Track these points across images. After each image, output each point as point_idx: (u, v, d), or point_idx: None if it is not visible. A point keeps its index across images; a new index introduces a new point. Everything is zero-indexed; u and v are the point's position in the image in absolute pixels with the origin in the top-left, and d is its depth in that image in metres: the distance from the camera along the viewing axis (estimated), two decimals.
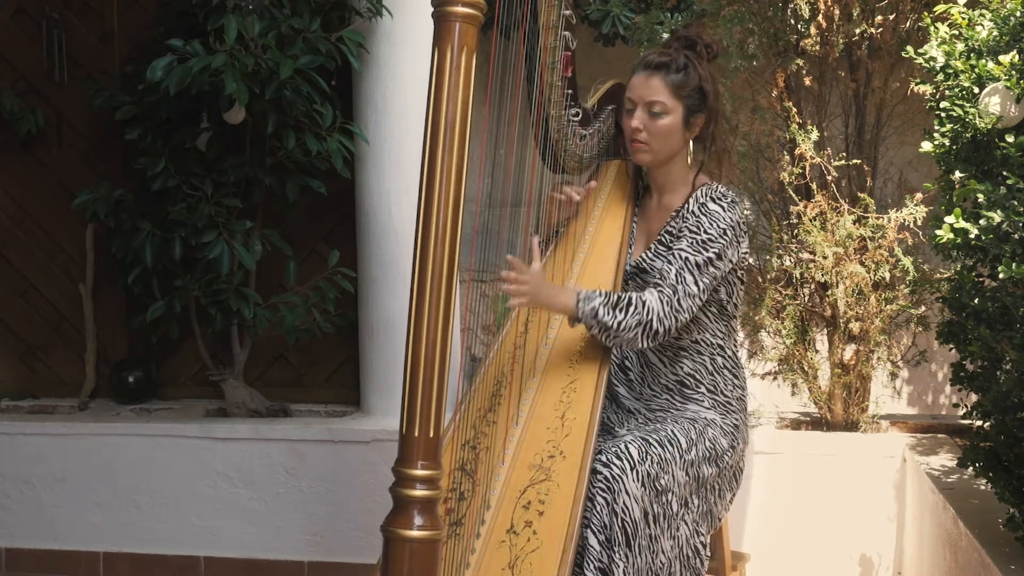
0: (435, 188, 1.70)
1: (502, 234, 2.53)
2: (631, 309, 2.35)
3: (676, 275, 2.40)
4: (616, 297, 2.37)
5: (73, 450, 3.84)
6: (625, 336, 2.36)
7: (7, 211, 4.33)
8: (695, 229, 2.44)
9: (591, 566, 2.20)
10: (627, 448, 2.26)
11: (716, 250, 2.42)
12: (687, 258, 2.41)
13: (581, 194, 2.69)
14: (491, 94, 2.19)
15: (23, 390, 4.36)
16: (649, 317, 2.35)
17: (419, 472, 1.71)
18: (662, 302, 2.37)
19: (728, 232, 2.44)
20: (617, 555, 2.20)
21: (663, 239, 2.54)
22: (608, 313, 2.34)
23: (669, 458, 2.31)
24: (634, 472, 2.23)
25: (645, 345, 2.40)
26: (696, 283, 2.40)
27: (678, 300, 2.38)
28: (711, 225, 2.44)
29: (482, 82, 1.91)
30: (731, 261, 2.47)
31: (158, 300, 3.88)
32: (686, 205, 2.51)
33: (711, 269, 2.42)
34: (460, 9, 1.68)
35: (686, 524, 2.35)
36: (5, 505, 3.90)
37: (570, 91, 2.54)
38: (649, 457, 2.27)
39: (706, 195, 2.49)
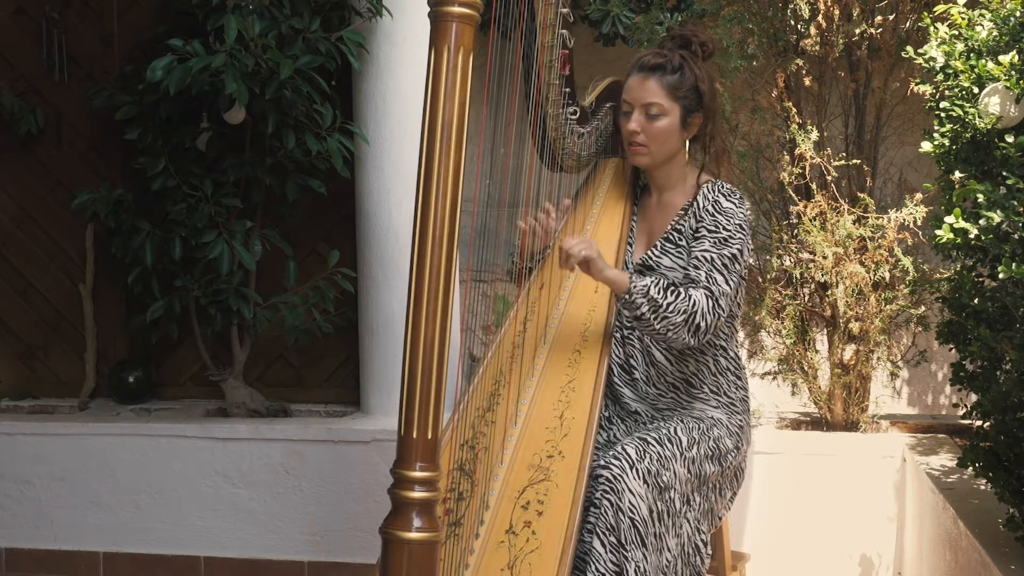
0: (432, 188, 1.69)
1: (500, 234, 2.53)
2: (680, 296, 2.35)
3: (707, 277, 2.40)
4: (665, 282, 2.37)
5: (73, 450, 3.84)
6: (672, 320, 2.33)
7: (7, 211, 4.33)
8: (713, 228, 2.44)
9: (596, 569, 2.19)
10: (624, 449, 2.26)
11: (738, 246, 2.43)
12: (712, 259, 2.41)
13: (558, 219, 2.60)
14: (489, 94, 2.19)
15: (23, 390, 4.36)
16: (695, 309, 2.35)
17: (417, 474, 1.71)
18: (706, 298, 2.37)
19: (743, 226, 2.46)
20: (629, 554, 2.19)
21: (671, 237, 2.53)
22: (660, 293, 2.33)
23: (669, 455, 2.30)
24: (634, 470, 2.23)
25: (687, 339, 2.37)
26: (727, 282, 2.40)
27: (716, 299, 2.38)
28: (728, 222, 2.44)
29: (480, 82, 1.91)
30: (746, 259, 2.47)
31: (158, 300, 3.88)
32: (695, 203, 2.51)
33: (736, 266, 2.43)
34: (457, 9, 1.68)
35: (688, 522, 2.34)
36: (5, 505, 3.90)
37: (568, 89, 2.54)
38: (648, 455, 2.26)
39: (716, 192, 2.49)
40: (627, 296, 2.34)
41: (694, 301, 2.35)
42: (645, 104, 2.49)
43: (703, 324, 2.36)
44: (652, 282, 2.35)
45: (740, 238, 2.44)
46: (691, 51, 2.52)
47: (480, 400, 2.42)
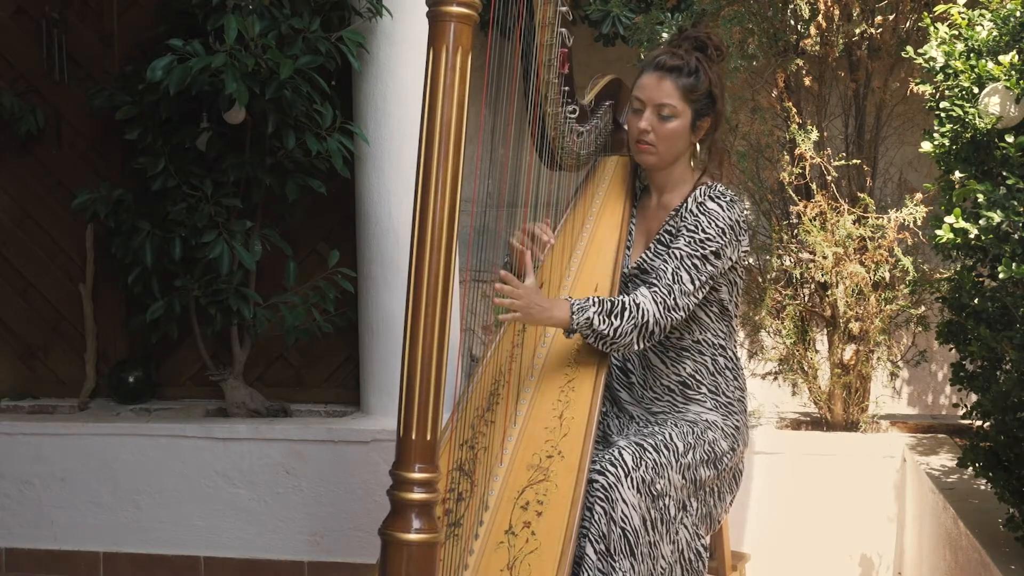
0: (431, 188, 1.69)
1: (500, 234, 2.53)
2: (626, 314, 2.34)
3: (672, 274, 2.38)
4: (610, 304, 2.34)
5: (73, 450, 3.84)
6: (622, 342, 2.35)
7: (7, 211, 4.33)
8: (693, 228, 2.43)
9: (587, 574, 2.19)
10: (621, 455, 2.25)
11: (713, 248, 2.41)
12: (683, 256, 2.40)
13: (549, 234, 2.57)
14: (488, 93, 2.19)
15: (23, 390, 4.36)
16: (645, 319, 2.34)
17: (416, 475, 1.71)
18: (656, 302, 2.35)
19: (727, 231, 2.43)
20: (617, 564, 2.19)
21: (662, 239, 2.53)
22: (603, 322, 2.32)
23: (664, 462, 2.30)
24: (629, 479, 2.22)
25: (642, 347, 2.39)
26: (692, 281, 2.39)
27: (674, 299, 2.36)
28: (709, 224, 2.43)
29: (479, 81, 1.91)
30: (730, 259, 2.46)
31: (158, 300, 3.88)
32: (684, 204, 2.50)
33: (707, 267, 2.41)
34: (455, 9, 1.68)
35: (685, 528, 2.34)
36: (5, 505, 3.90)
37: (567, 88, 2.54)
38: (644, 463, 2.26)
39: (705, 194, 2.48)
40: (574, 333, 2.36)
41: (643, 312, 2.34)
42: (658, 104, 2.48)
43: (656, 330, 2.37)
44: (595, 311, 2.33)
45: (719, 241, 2.41)
46: (707, 55, 2.51)
47: (479, 400, 2.42)
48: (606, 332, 2.33)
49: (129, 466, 3.82)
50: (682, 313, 2.39)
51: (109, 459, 3.83)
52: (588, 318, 2.32)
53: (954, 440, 3.59)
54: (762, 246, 3.75)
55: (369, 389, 3.94)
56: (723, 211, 2.44)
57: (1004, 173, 2.31)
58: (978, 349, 2.44)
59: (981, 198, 2.27)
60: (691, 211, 2.46)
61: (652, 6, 4.04)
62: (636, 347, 2.38)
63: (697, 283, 2.40)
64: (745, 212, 2.56)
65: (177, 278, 3.89)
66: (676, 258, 2.40)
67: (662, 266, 2.41)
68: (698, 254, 2.40)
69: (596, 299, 2.36)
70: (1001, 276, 2.22)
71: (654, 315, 2.35)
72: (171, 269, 3.89)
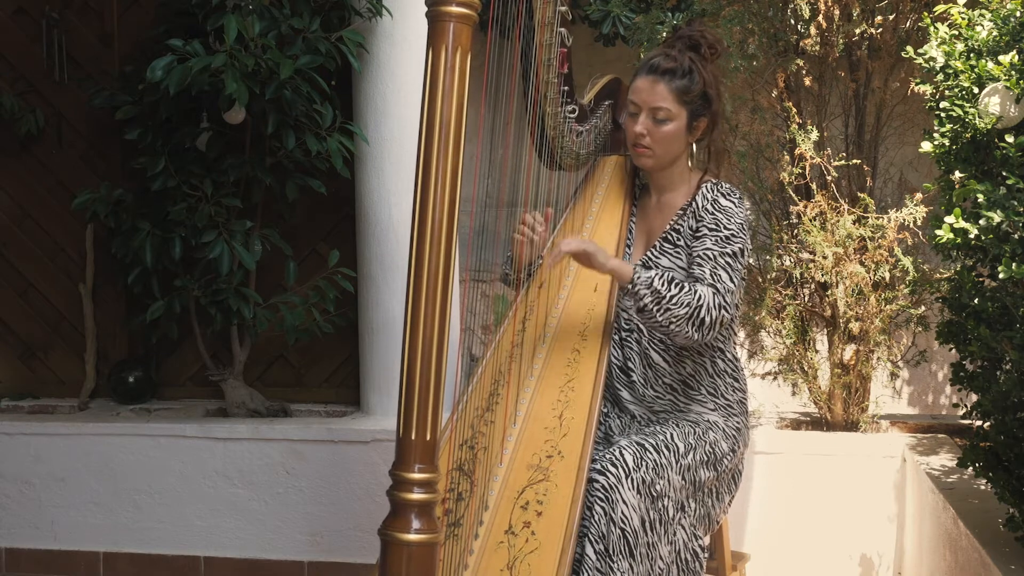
0: (431, 188, 1.69)
1: (499, 234, 2.53)
2: (684, 289, 2.32)
3: (711, 274, 2.38)
4: (670, 275, 2.35)
5: (73, 450, 3.84)
6: (675, 312, 2.30)
7: (7, 211, 4.33)
8: (714, 227, 2.43)
9: (586, 574, 2.19)
10: (622, 455, 2.25)
11: (739, 244, 2.42)
12: (715, 256, 2.40)
13: (544, 227, 2.60)
14: (487, 93, 2.19)
15: (23, 390, 4.36)
16: (700, 303, 2.32)
17: (416, 475, 1.70)
18: (712, 294, 2.34)
19: (744, 226, 2.45)
20: (616, 564, 2.19)
21: (669, 237, 2.53)
22: (664, 285, 2.31)
23: (665, 463, 2.30)
24: (629, 480, 2.22)
25: (689, 333, 2.32)
26: (731, 279, 2.38)
27: (721, 297, 2.35)
28: (729, 221, 2.43)
29: (478, 81, 1.91)
30: (746, 258, 2.47)
31: (158, 300, 3.87)
32: (693, 203, 2.50)
33: (739, 264, 2.41)
34: (454, 9, 1.68)
35: (683, 528, 2.34)
36: (5, 505, 3.90)
37: (566, 88, 2.54)
38: (644, 463, 2.26)
39: (715, 192, 2.48)
40: (630, 286, 2.32)
41: (699, 295, 2.32)
42: (653, 108, 2.48)
43: (708, 319, 2.32)
44: (657, 274, 2.32)
45: (741, 237, 2.43)
46: (700, 54, 2.51)
47: (479, 400, 2.42)
48: (664, 293, 2.30)
49: (129, 466, 3.82)
50: (730, 312, 2.36)
51: (109, 459, 3.83)
52: (649, 276, 2.31)
53: (954, 440, 3.59)
54: (762, 246, 3.75)
55: (369, 389, 3.94)
56: (736, 207, 2.46)
57: (1004, 173, 2.31)
58: (978, 349, 2.44)
59: (981, 198, 2.27)
60: (706, 209, 2.46)
61: (652, 6, 4.04)
62: (684, 330, 2.32)
63: (736, 281, 2.39)
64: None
65: (177, 278, 3.89)
66: (709, 259, 2.39)
67: (697, 270, 2.40)
68: (728, 251, 2.40)
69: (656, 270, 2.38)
70: (1001, 276, 2.21)
71: (708, 304, 2.32)
72: (171, 269, 3.89)
